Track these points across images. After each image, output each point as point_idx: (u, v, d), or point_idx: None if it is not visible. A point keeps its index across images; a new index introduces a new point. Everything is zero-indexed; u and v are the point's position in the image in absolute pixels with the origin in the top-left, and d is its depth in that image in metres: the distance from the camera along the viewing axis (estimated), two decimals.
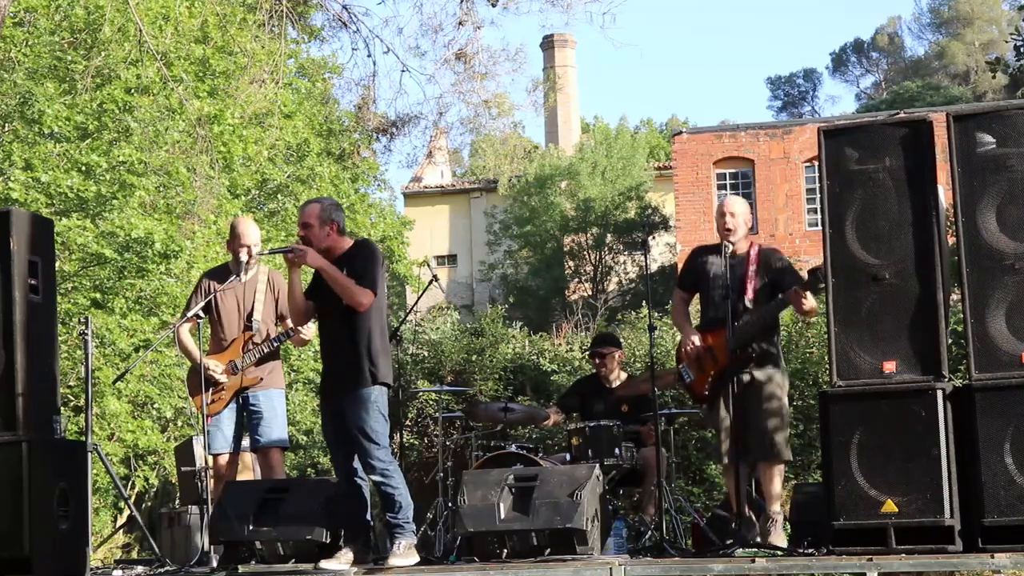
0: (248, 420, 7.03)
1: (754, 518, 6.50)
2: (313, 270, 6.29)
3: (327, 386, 6.33)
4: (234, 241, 7.09)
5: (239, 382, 6.98)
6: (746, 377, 6.50)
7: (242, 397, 7.00)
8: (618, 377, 8.36)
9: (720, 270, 6.56)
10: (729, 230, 6.59)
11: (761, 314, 6.53)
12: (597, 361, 8.36)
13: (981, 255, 5.62)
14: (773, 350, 6.63)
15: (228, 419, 6.99)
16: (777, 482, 6.53)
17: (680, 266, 7.09)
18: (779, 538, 6.36)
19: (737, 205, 6.72)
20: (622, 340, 9.01)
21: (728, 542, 6.30)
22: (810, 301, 6.56)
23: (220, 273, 7.20)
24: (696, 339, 6.70)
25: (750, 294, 6.56)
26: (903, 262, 5.74)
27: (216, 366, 6.96)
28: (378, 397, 6.10)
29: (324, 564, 6.02)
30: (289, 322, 7.03)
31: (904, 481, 5.52)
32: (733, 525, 6.54)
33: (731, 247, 6.55)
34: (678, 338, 11.68)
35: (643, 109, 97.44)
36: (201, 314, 6.91)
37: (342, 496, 6.26)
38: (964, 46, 47.21)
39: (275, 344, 7.04)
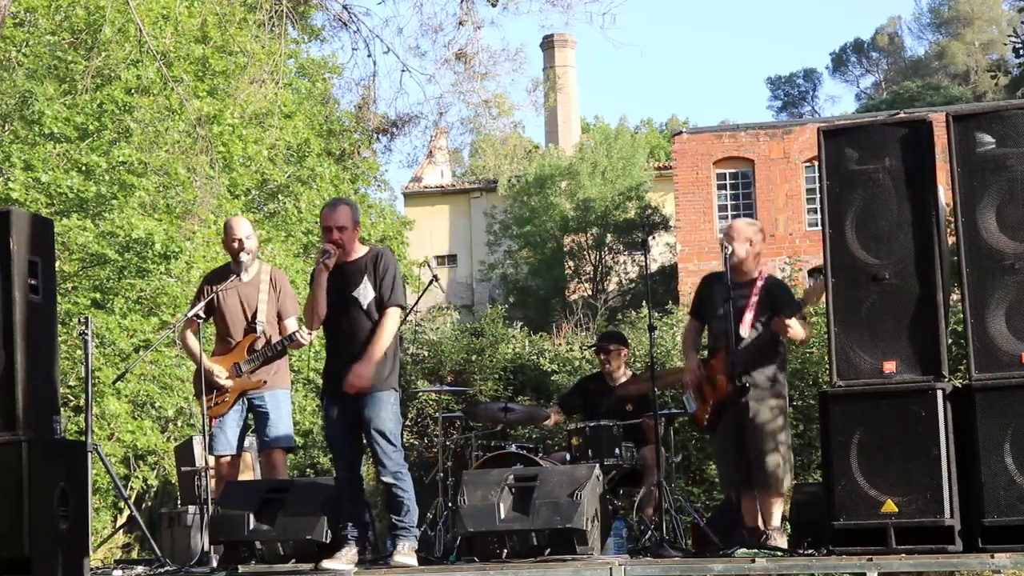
0: (255, 421, 7.04)
1: (760, 527, 6.50)
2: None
3: (338, 385, 6.19)
4: (227, 238, 7.09)
5: (243, 384, 6.98)
6: (743, 407, 6.47)
7: (247, 399, 7.00)
8: (622, 375, 8.35)
9: (727, 298, 6.51)
10: (725, 256, 6.57)
11: (754, 343, 6.52)
12: (603, 357, 8.35)
13: (981, 255, 5.62)
14: (772, 379, 6.59)
15: (232, 421, 6.99)
16: (776, 512, 6.52)
17: (692, 295, 7.08)
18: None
19: (734, 230, 6.69)
20: None
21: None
22: (795, 329, 6.50)
23: (221, 274, 7.20)
24: (696, 368, 6.71)
25: (748, 323, 6.55)
26: (903, 262, 5.73)
27: (220, 371, 6.95)
28: (395, 400, 6.19)
29: (326, 563, 6.01)
30: (288, 325, 7.05)
31: (904, 481, 5.52)
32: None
33: (731, 259, 6.53)
34: (679, 338, 11.72)
35: (643, 109, 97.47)
36: (201, 315, 6.91)
37: (345, 494, 6.23)
38: (964, 46, 47.20)
39: (278, 349, 7.05)
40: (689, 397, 6.83)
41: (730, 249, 6.59)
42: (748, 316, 6.55)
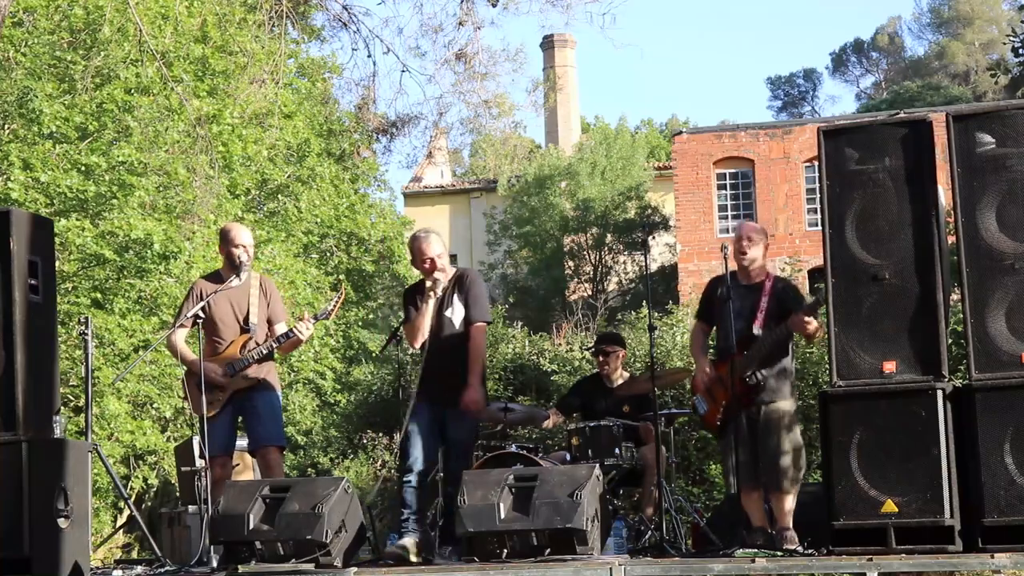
0: (245, 421, 7.03)
1: (768, 528, 6.50)
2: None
3: (439, 392, 6.64)
4: (229, 244, 7.07)
5: (235, 384, 6.97)
6: (756, 407, 6.51)
7: (238, 399, 6.99)
8: (620, 376, 8.36)
9: (731, 299, 6.54)
10: (744, 253, 6.62)
11: (765, 341, 6.53)
12: (601, 359, 8.35)
13: (981, 255, 5.62)
14: (784, 378, 6.62)
15: (224, 422, 6.98)
16: (787, 506, 6.52)
17: (695, 294, 7.15)
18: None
19: (749, 230, 6.78)
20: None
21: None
22: (814, 325, 6.54)
23: (212, 279, 7.20)
24: (707, 370, 6.72)
25: (760, 322, 6.57)
26: (903, 262, 5.73)
27: (216, 368, 6.94)
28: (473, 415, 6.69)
29: (402, 542, 6.42)
30: (277, 329, 7.06)
31: (904, 481, 5.52)
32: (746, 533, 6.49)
33: (746, 261, 6.60)
34: (679, 338, 11.73)
35: (643, 109, 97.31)
36: (201, 314, 6.90)
37: (414, 492, 6.64)
38: (964, 46, 47.20)
39: (273, 346, 7.05)
40: (700, 399, 6.85)
41: (731, 250, 6.62)
42: (760, 316, 6.57)
